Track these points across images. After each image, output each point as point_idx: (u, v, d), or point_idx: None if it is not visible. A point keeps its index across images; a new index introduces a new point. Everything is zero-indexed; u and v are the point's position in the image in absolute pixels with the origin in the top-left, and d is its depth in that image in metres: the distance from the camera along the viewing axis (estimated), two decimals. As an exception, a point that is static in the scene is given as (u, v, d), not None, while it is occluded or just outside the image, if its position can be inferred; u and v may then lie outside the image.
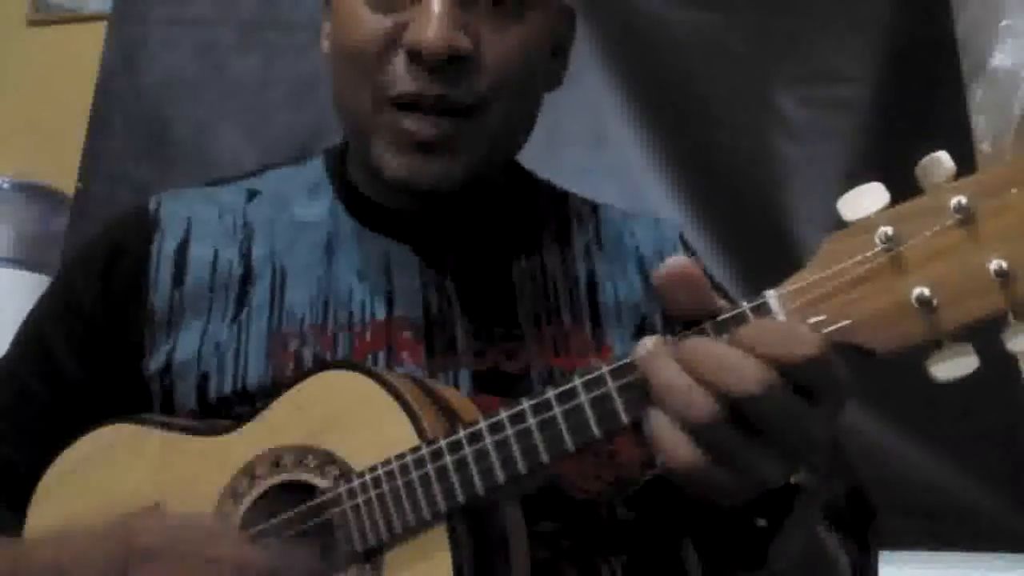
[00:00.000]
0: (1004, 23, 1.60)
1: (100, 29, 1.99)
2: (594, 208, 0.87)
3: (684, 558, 0.71)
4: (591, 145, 1.76)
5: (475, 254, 0.80)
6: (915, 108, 1.64)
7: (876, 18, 1.71)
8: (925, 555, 1.45)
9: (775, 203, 1.66)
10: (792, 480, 0.57)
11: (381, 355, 0.74)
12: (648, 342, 0.53)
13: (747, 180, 1.68)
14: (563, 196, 0.88)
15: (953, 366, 0.49)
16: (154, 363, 0.76)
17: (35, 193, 1.88)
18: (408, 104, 0.71)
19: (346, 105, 0.76)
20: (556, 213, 0.85)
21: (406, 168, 0.72)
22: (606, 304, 0.80)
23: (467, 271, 0.79)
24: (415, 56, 0.69)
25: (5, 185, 1.84)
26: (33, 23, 2.06)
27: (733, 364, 0.50)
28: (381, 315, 0.76)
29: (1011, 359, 1.52)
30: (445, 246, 0.79)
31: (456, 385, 0.73)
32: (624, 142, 1.76)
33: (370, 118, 0.73)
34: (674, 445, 0.51)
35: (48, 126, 1.94)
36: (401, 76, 0.70)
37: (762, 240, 1.64)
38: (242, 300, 0.77)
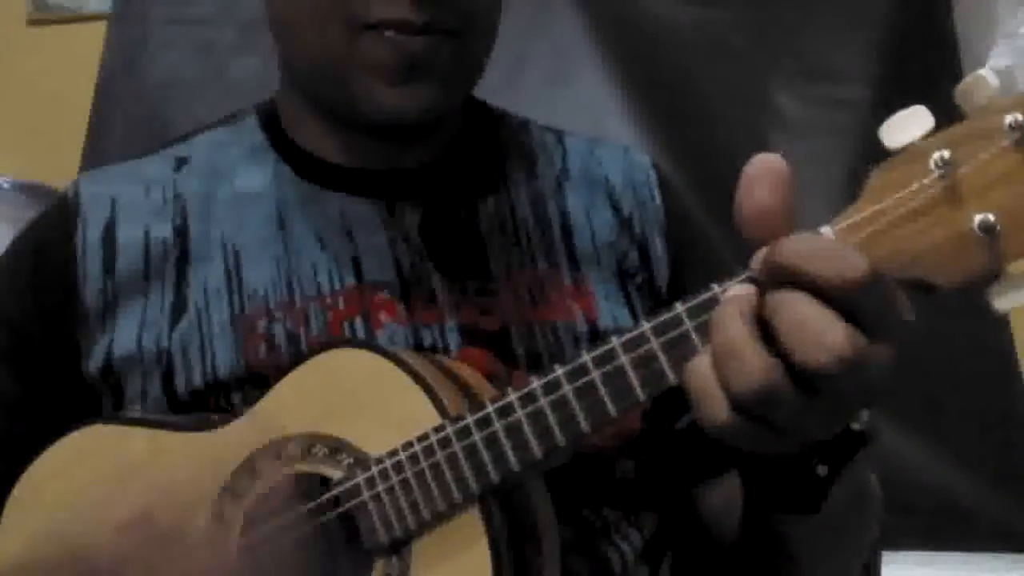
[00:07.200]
0: (1001, 24, 1.59)
1: (100, 29, 1.98)
2: (559, 136, 0.82)
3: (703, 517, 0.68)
4: (590, 142, 1.77)
5: (439, 200, 0.75)
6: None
7: (876, 16, 1.70)
8: (925, 555, 1.45)
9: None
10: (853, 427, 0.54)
11: (358, 320, 0.70)
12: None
13: (745, 178, 1.68)
14: (524, 125, 0.83)
15: (1017, 296, 0.46)
16: (93, 363, 0.71)
17: (35, 193, 1.87)
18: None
19: (309, 44, 0.69)
20: (519, 145, 0.80)
21: (395, 97, 0.66)
22: (583, 247, 0.75)
23: (433, 220, 0.74)
24: None
25: (5, 185, 1.83)
26: (33, 23, 2.05)
27: (815, 328, 0.44)
28: (351, 281, 0.71)
29: (1011, 358, 1.52)
30: (407, 193, 0.74)
31: (445, 339, 0.69)
32: (622, 139, 1.75)
33: (345, 50, 0.66)
34: (715, 407, 0.46)
35: (48, 126, 1.93)
36: (378, 2, 0.65)
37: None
38: (181, 284, 0.72)
